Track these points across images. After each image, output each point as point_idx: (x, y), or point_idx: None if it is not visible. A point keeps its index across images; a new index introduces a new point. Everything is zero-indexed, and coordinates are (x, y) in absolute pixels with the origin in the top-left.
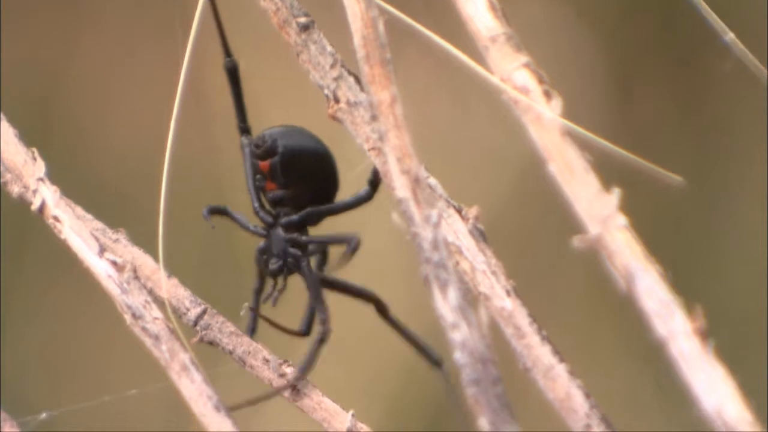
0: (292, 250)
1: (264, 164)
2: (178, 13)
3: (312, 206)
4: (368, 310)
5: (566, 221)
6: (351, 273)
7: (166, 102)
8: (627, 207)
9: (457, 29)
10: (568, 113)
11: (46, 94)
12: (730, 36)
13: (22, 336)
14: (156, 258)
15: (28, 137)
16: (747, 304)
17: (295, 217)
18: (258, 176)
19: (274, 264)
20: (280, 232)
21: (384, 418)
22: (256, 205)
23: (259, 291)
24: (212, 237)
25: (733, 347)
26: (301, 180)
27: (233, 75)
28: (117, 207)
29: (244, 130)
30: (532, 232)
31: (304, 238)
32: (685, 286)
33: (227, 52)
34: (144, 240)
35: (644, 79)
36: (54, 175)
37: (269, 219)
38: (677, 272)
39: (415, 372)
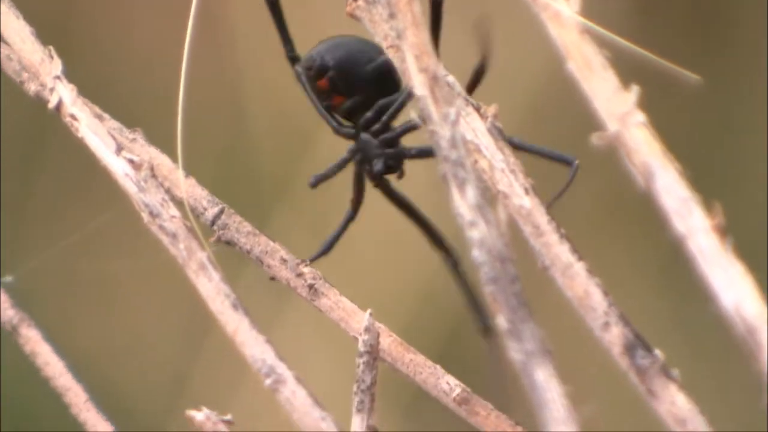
0: (387, 150)
1: (322, 82)
2: None
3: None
4: (389, 226)
5: (586, 123)
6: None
7: (186, 1)
8: (646, 107)
9: None
10: (592, 14)
11: None
12: None
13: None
14: (173, 158)
15: (44, 36)
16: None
17: (370, 114)
18: (323, 97)
19: (378, 165)
20: (368, 136)
21: (401, 334)
22: (334, 124)
23: (357, 202)
24: (230, 139)
25: (752, 246)
26: (363, 81)
27: (274, 6)
28: (135, 108)
29: (294, 59)
30: (552, 133)
31: (389, 134)
32: (704, 185)
33: None
34: (162, 141)
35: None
36: (72, 75)
37: (352, 131)
38: (696, 171)
39: (432, 295)
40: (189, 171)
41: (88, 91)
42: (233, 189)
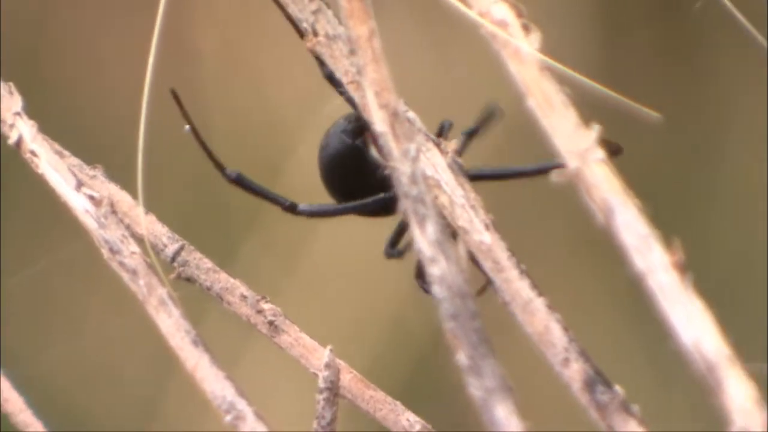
0: None
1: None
2: None
3: None
4: (359, 256)
5: (549, 157)
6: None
7: (150, 38)
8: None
9: None
10: (554, 50)
11: (26, 28)
12: None
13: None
14: (134, 195)
15: (4, 71)
16: (726, 240)
17: None
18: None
19: None
20: None
21: (368, 366)
22: None
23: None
24: (197, 168)
25: (712, 283)
26: None
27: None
28: (96, 145)
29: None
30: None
31: None
32: (666, 223)
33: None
34: (125, 176)
35: (631, 15)
36: (32, 112)
37: None
38: (658, 209)
39: (401, 322)
40: (151, 207)
41: (48, 125)
42: (201, 220)
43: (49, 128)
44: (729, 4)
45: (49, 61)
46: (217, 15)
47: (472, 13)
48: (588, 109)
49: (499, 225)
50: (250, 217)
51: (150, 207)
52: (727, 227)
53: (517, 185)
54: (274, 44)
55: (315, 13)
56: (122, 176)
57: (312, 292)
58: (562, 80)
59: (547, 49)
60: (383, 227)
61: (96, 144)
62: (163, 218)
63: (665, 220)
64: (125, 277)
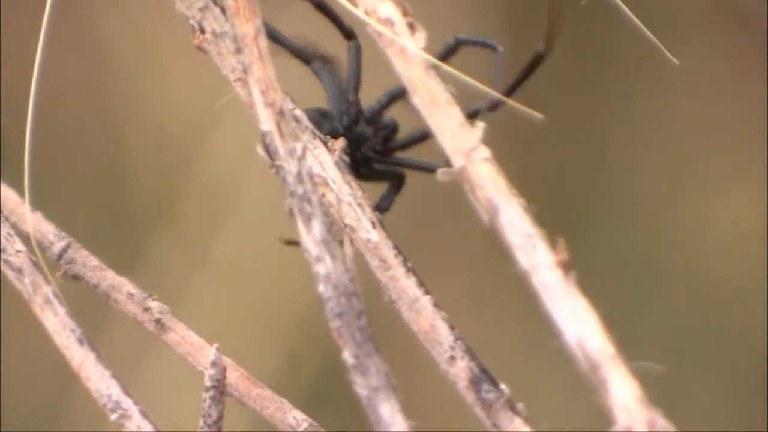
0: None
1: None
2: None
3: None
4: (268, 252)
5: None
6: None
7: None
8: (498, 146)
9: None
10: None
11: None
12: None
13: None
14: (22, 193)
15: None
16: (613, 240)
17: None
18: None
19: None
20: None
21: (276, 371)
22: None
23: None
24: (105, 159)
25: (598, 281)
26: None
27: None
28: None
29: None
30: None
31: None
32: (551, 221)
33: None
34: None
35: (536, 8)
36: None
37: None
38: (545, 208)
39: (310, 326)
40: (51, 206)
41: None
42: (110, 210)
43: None
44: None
45: None
46: (124, 6)
47: (358, 11)
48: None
49: (387, 222)
50: (160, 207)
51: (50, 206)
52: (610, 226)
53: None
54: (181, 33)
55: (202, 10)
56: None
57: (221, 288)
58: (447, 78)
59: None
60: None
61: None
62: (67, 216)
63: (549, 219)
64: (10, 275)
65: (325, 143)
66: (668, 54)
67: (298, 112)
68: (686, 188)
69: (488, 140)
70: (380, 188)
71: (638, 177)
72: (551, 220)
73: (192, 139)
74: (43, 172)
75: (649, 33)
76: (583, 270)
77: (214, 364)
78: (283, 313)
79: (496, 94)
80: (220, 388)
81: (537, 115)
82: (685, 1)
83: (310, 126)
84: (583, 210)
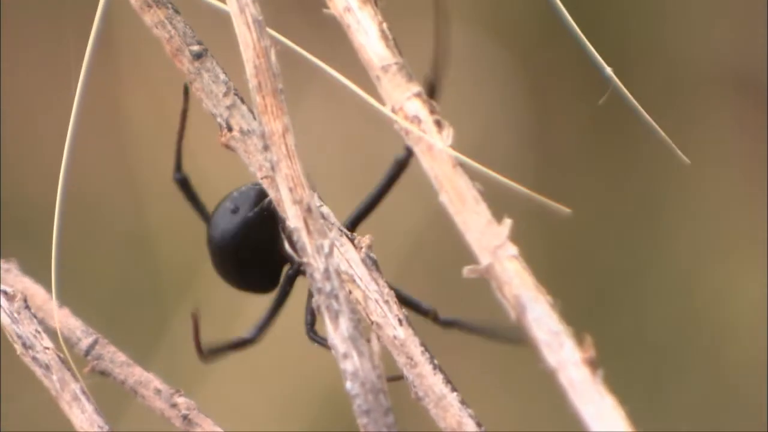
0: None
1: None
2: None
3: None
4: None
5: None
6: None
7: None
8: (523, 234)
9: (354, 60)
10: (482, 139)
11: None
12: (608, 70)
13: None
14: (49, 289)
15: None
16: (641, 334)
17: None
18: None
19: None
20: None
21: None
22: None
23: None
24: (129, 234)
25: (625, 376)
26: None
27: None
28: (13, 235)
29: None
30: (441, 259)
31: None
32: (583, 318)
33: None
34: (39, 269)
35: (560, 103)
36: None
37: None
38: (576, 302)
39: (332, 397)
40: (66, 300)
41: None
42: (133, 288)
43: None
44: (632, 100)
45: None
46: (150, 84)
47: (384, 109)
48: (509, 202)
49: (413, 319)
50: (182, 286)
51: (69, 291)
52: (641, 320)
53: (433, 280)
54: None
55: (229, 108)
56: (38, 266)
57: (246, 361)
58: (475, 175)
59: (474, 144)
60: None
61: (12, 234)
62: (88, 292)
63: (576, 316)
64: (38, 372)
65: (351, 240)
66: (680, 154)
67: (326, 209)
68: (708, 269)
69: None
70: None
71: (660, 261)
72: (573, 303)
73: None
74: (64, 246)
75: (662, 133)
76: (605, 352)
77: None
78: (306, 388)
79: (525, 191)
80: None
81: (563, 209)
82: (702, 76)
83: (337, 223)
84: (605, 294)
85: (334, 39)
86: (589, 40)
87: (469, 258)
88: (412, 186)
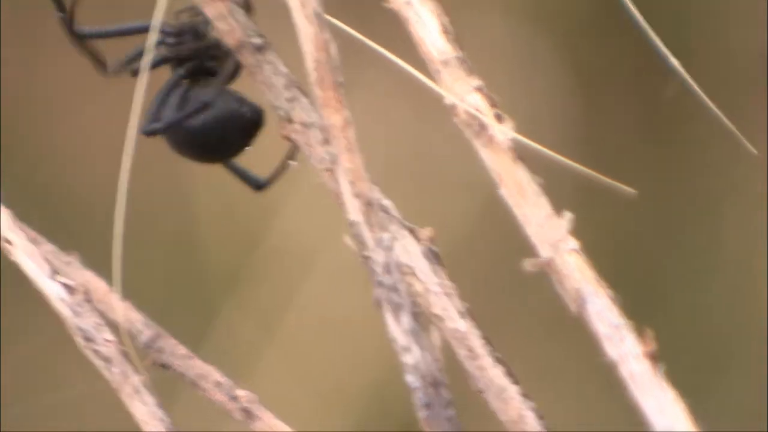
0: None
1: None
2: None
3: None
4: (339, 321)
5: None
6: None
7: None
8: (582, 225)
9: (412, 53)
10: (528, 132)
11: (5, 110)
12: (674, 62)
13: None
14: (109, 280)
15: None
16: (700, 326)
17: None
18: None
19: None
20: None
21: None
22: None
23: None
24: (176, 233)
25: (687, 370)
26: None
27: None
28: (74, 229)
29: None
30: (493, 253)
31: None
32: (638, 308)
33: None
34: (99, 261)
35: (608, 96)
36: (8, 196)
37: None
38: (633, 294)
39: (382, 396)
40: (126, 293)
41: (26, 212)
42: (180, 284)
43: (24, 212)
44: (700, 93)
45: (28, 143)
46: None
47: (450, 97)
48: (565, 188)
49: (475, 311)
50: (230, 281)
51: (125, 292)
52: (699, 314)
53: (494, 271)
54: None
55: (290, 101)
56: (98, 259)
57: (292, 357)
58: (534, 168)
59: (523, 129)
60: (364, 295)
61: (74, 226)
62: (136, 287)
63: (637, 306)
64: (99, 365)
65: (412, 232)
66: (747, 144)
67: (387, 202)
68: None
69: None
70: None
71: (721, 254)
72: (640, 309)
73: (262, 213)
74: (102, 227)
75: (729, 124)
76: (663, 346)
77: None
78: (353, 383)
79: (586, 170)
80: None
81: (628, 189)
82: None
83: (398, 215)
84: (660, 285)
85: (395, 36)
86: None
87: (523, 248)
88: (463, 176)
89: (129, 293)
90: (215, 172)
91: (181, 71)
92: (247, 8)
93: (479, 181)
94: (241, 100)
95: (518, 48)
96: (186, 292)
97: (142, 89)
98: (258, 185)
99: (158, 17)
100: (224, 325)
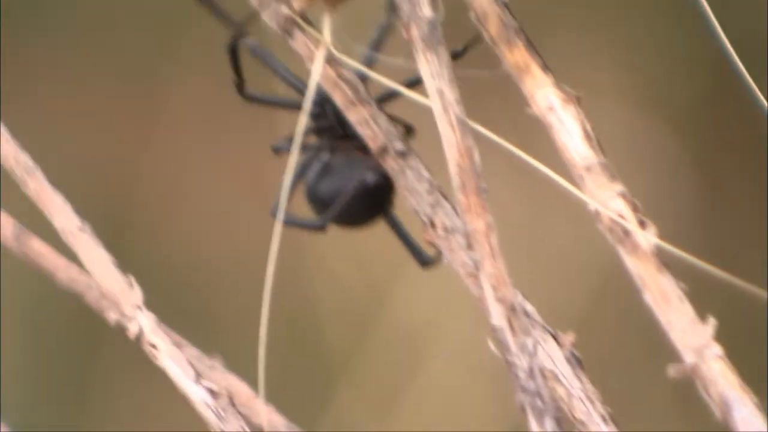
0: None
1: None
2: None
3: None
4: (454, 408)
5: (657, 342)
6: None
7: (259, 212)
8: (723, 328)
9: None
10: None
11: (128, 204)
12: None
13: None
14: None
15: (127, 259)
16: None
17: None
18: None
19: None
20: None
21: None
22: None
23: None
24: (294, 316)
25: None
26: None
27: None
28: (210, 325)
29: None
30: (616, 350)
31: None
32: None
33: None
34: (237, 361)
35: (734, 184)
36: (147, 294)
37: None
38: None
39: None
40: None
41: (164, 310)
42: (296, 365)
43: (166, 314)
44: None
45: (167, 246)
46: None
47: (593, 204)
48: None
49: (616, 417)
50: (345, 363)
51: (237, 354)
52: None
53: (632, 375)
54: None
55: (433, 206)
56: (238, 361)
57: (413, 413)
58: (678, 273)
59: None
60: (479, 384)
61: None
62: (248, 362)
63: None
64: None
65: (555, 337)
66: None
67: (529, 306)
68: None
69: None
70: None
71: None
72: None
73: (376, 301)
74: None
75: None
76: None
77: None
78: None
79: (726, 275)
80: None
81: (760, 292)
82: None
83: (540, 320)
84: None
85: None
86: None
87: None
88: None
89: (243, 370)
90: (330, 253)
91: (323, 141)
92: (410, 131)
93: (599, 272)
94: (374, 167)
95: (635, 136)
96: (300, 375)
97: (288, 178)
98: (424, 261)
99: (310, 95)
100: (339, 406)
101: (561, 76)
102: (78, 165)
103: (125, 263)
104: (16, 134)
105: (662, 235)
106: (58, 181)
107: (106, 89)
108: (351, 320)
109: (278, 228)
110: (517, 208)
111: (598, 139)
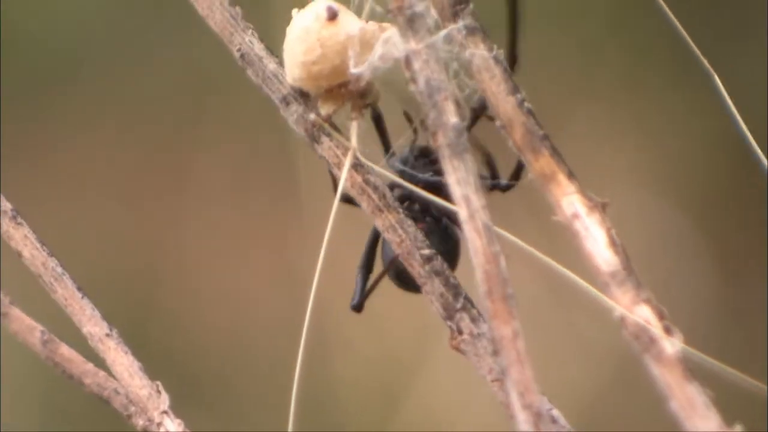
0: None
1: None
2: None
3: None
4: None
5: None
6: None
7: (288, 297)
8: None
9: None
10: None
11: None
12: None
13: None
14: None
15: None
16: None
17: None
18: None
19: None
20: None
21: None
22: None
23: None
24: (316, 395)
25: None
26: None
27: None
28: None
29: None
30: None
31: None
32: None
33: None
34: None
35: (752, 268)
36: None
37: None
38: None
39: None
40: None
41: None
42: None
43: (189, 392)
44: None
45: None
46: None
47: (619, 310)
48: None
49: None
50: None
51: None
52: None
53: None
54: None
55: (459, 311)
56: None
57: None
58: (704, 381)
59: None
60: None
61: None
62: None
63: None
64: None
65: None
66: None
67: (555, 413)
68: None
69: None
70: None
71: None
72: None
73: (399, 382)
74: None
75: None
76: None
77: None
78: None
79: (755, 383)
80: None
81: (759, 385)
82: None
83: (567, 426)
84: None
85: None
86: None
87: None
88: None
89: None
90: (352, 332)
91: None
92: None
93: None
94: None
95: (650, 217)
96: None
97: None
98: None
99: None
100: None
101: (576, 158)
102: (102, 244)
103: (150, 350)
104: (36, 211)
105: (678, 321)
106: (81, 268)
107: (131, 162)
108: (375, 400)
109: (308, 318)
110: (545, 309)
111: (623, 245)
